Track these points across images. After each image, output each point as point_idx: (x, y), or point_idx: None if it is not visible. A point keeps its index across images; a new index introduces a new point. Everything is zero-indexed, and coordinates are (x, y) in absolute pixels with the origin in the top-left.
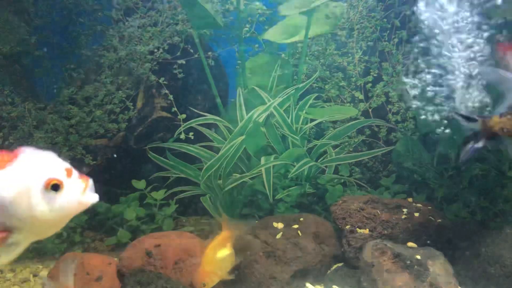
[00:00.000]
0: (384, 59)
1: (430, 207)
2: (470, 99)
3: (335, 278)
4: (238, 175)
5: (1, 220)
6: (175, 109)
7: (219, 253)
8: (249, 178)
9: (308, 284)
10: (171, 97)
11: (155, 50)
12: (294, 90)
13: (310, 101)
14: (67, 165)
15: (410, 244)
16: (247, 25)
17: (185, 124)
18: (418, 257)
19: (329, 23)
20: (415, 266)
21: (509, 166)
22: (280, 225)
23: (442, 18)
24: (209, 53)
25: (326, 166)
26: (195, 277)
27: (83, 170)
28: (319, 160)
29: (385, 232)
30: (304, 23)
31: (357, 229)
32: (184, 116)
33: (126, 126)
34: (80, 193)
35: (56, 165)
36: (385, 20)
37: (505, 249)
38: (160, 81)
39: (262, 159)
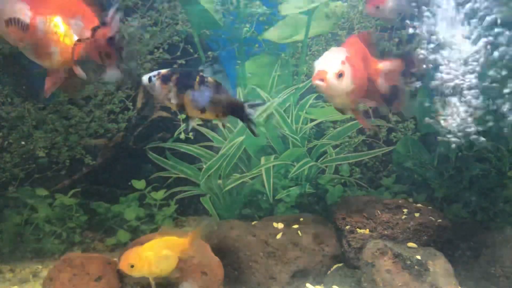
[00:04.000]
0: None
1: (430, 207)
2: None
3: (335, 278)
4: (238, 175)
5: None
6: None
7: (166, 251)
8: (249, 178)
9: (308, 285)
10: None
11: (155, 50)
12: (294, 90)
13: (310, 101)
14: None
15: (410, 244)
16: (247, 25)
17: (184, 123)
18: (419, 257)
19: (329, 23)
20: (416, 267)
21: (509, 166)
22: (280, 225)
23: None
24: (209, 53)
25: (326, 166)
26: (126, 254)
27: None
28: (319, 160)
29: (385, 232)
30: (304, 22)
31: (357, 229)
32: (183, 116)
33: (126, 126)
34: None
35: None
36: None
37: (506, 249)
38: None
39: (262, 159)
